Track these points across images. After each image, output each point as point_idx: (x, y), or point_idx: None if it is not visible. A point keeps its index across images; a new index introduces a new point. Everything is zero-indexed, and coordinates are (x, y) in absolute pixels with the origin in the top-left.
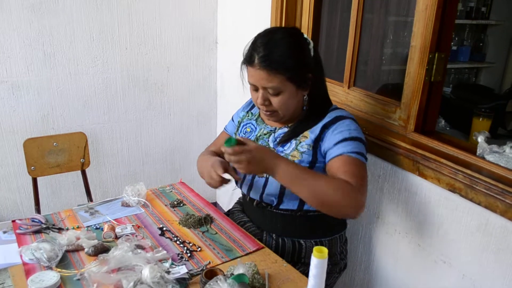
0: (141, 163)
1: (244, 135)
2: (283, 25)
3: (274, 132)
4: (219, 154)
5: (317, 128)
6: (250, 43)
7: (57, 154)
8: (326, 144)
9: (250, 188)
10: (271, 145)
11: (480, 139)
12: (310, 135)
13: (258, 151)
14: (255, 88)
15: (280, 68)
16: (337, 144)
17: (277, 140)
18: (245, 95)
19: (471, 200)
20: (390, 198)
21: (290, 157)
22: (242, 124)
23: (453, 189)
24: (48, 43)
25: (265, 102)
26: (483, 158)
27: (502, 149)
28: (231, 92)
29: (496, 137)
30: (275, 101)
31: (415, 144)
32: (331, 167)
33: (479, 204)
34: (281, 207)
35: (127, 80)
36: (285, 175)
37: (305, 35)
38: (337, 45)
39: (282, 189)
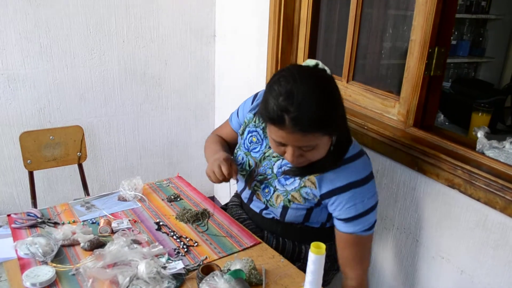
0: (138, 157)
1: (249, 145)
2: (281, 20)
3: (283, 159)
4: (227, 141)
5: (326, 184)
6: (270, 96)
7: (53, 148)
8: (337, 208)
9: (250, 201)
10: (275, 170)
11: (480, 134)
12: (317, 184)
13: None
14: (282, 144)
15: (316, 128)
16: (349, 221)
17: (283, 169)
18: (244, 89)
19: (470, 196)
20: (388, 193)
21: (290, 196)
22: (247, 130)
23: (452, 185)
24: (45, 35)
25: (297, 159)
26: (483, 153)
27: (502, 144)
28: (229, 86)
29: (495, 133)
30: (309, 155)
31: (414, 139)
32: (340, 238)
33: (478, 200)
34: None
35: (124, 73)
36: None
37: (328, 70)
38: (336, 38)
39: (283, 214)
